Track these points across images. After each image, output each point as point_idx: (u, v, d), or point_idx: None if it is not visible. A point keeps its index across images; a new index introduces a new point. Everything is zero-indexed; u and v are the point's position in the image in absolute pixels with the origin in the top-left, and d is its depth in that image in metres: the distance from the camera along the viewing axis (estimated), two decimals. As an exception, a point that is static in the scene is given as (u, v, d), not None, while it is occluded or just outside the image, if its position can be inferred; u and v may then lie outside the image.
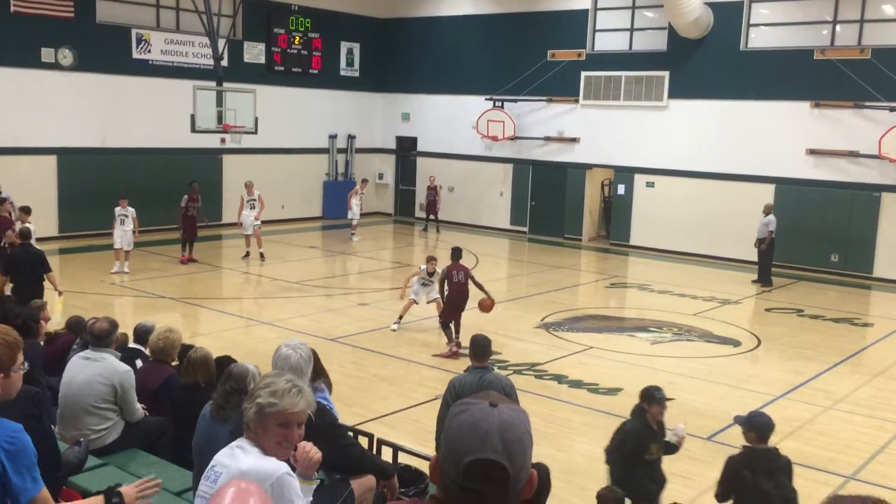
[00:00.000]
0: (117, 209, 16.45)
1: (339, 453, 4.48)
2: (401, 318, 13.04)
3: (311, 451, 3.58)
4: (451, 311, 11.94)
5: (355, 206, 21.81)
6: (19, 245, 11.79)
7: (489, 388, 6.15)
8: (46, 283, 11.57)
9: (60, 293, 11.96)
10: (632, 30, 22.27)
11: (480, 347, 6.62)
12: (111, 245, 16.57)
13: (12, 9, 18.53)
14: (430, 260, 13.07)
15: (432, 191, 23.81)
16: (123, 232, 16.32)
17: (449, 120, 25.35)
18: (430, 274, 12.81)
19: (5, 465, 2.90)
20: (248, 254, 18.43)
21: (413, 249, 22.29)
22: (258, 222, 18.45)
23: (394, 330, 12.88)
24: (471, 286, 12.02)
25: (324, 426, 4.37)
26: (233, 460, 3.15)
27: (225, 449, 3.23)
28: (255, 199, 18.50)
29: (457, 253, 12.44)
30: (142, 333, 7.42)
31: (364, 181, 23.21)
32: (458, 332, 11.89)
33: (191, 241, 17.77)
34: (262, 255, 18.22)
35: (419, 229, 23.69)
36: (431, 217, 23.87)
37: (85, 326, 8.09)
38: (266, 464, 3.11)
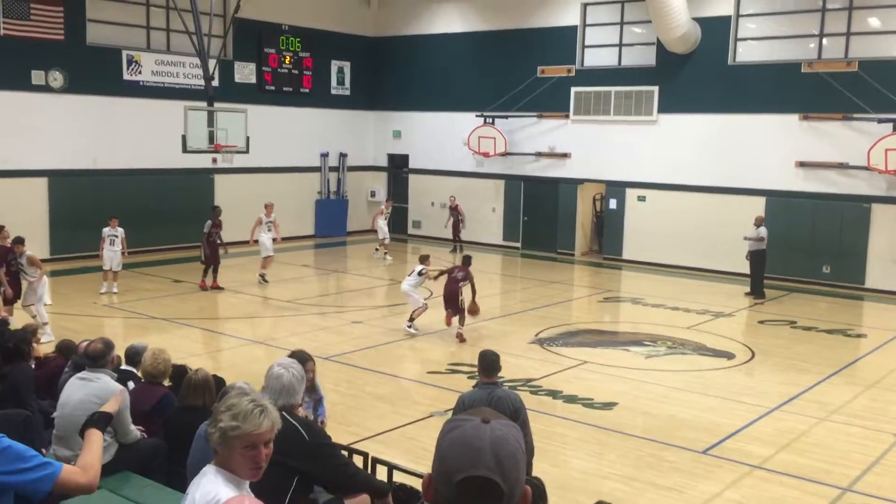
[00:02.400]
0: (106, 229, 16.37)
1: (332, 472, 4.45)
2: (412, 319, 13.93)
3: None
4: (445, 302, 13.56)
5: (383, 226, 21.81)
6: None
7: (499, 403, 6.14)
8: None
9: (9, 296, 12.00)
10: (620, 45, 22.42)
11: (489, 363, 6.56)
12: (101, 266, 16.48)
13: (2, 32, 18.56)
14: (425, 259, 14.29)
15: (454, 210, 23.33)
16: (113, 253, 16.23)
17: (440, 137, 25.43)
18: (420, 274, 14.03)
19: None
20: (263, 276, 18.10)
21: (405, 266, 22.27)
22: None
23: (412, 331, 13.80)
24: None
25: (315, 444, 4.34)
26: (193, 488, 3.09)
27: (196, 476, 3.18)
28: (272, 222, 18.31)
29: (467, 259, 14.22)
30: (133, 355, 7.39)
31: (388, 201, 23.03)
32: (461, 323, 13.54)
33: (215, 268, 17.27)
34: (263, 277, 18.00)
35: (448, 251, 23.32)
36: (457, 238, 23.31)
37: (75, 350, 8.07)
38: (211, 490, 2.99)
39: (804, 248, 19.32)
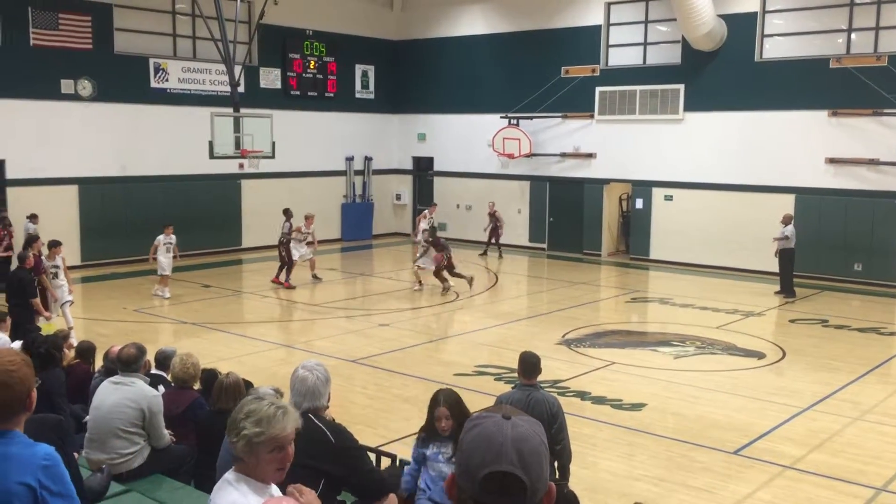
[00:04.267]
0: (161, 237, 16.73)
1: (358, 476, 4.41)
2: (420, 282, 17.61)
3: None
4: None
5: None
6: (16, 268, 12.05)
7: (537, 406, 6.13)
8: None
9: (48, 318, 11.98)
10: (645, 44, 22.28)
11: (529, 365, 6.51)
12: (133, 272, 16.72)
13: (32, 42, 18.85)
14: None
15: (493, 216, 23.11)
16: (168, 259, 16.67)
17: (465, 139, 25.43)
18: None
19: (44, 484, 2.93)
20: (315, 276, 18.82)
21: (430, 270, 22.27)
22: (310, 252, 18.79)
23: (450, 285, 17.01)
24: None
25: (342, 447, 4.32)
26: (217, 495, 3.08)
27: (219, 482, 3.17)
28: (311, 233, 18.72)
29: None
30: (163, 359, 7.47)
31: (434, 205, 22.78)
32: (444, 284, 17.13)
33: (289, 268, 17.96)
34: (287, 282, 18.15)
35: (478, 253, 23.15)
36: (493, 241, 23.13)
37: (94, 351, 8.18)
38: (240, 501, 2.99)
39: (835, 246, 19.07)
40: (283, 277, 18.03)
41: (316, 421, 4.25)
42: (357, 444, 4.58)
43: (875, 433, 9.38)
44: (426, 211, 22.29)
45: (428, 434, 5.50)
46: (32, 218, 18.08)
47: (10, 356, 3.04)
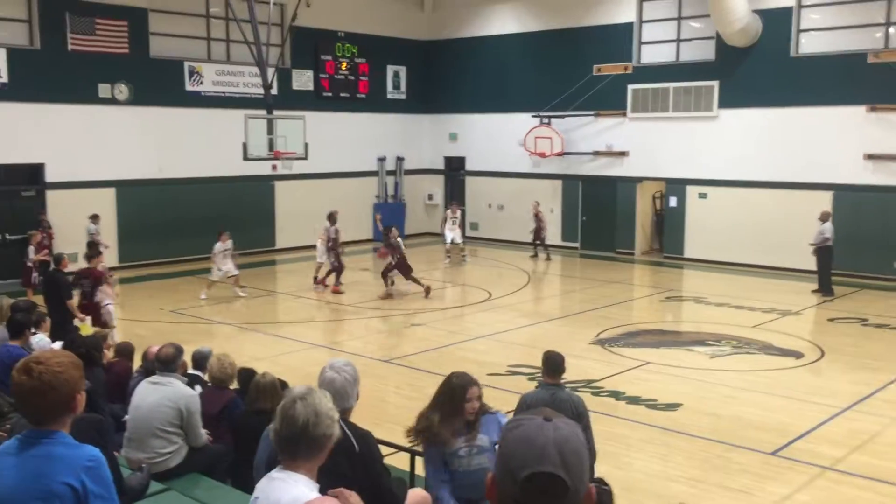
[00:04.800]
0: (218, 245, 16.85)
1: (375, 490, 4.24)
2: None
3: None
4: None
5: (448, 233, 21.97)
6: (52, 270, 12.18)
7: (561, 405, 6.10)
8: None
9: (82, 319, 12.00)
10: (678, 41, 22.08)
11: (554, 364, 6.51)
12: (170, 273, 16.90)
13: (70, 47, 19.17)
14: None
15: (536, 217, 22.78)
16: (230, 264, 16.95)
17: (496, 138, 25.39)
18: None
19: (87, 486, 2.97)
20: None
21: (464, 268, 22.29)
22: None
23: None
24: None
25: (367, 457, 4.20)
26: (269, 490, 3.11)
27: (264, 478, 3.21)
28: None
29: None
30: (199, 359, 7.56)
31: (453, 203, 22.83)
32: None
33: (339, 272, 17.90)
34: (337, 285, 17.99)
35: (528, 255, 22.92)
36: (538, 242, 22.84)
37: (132, 351, 8.30)
38: (295, 492, 3.05)
39: (874, 244, 18.74)
40: (329, 280, 17.89)
41: (343, 426, 4.21)
42: (381, 458, 4.48)
43: (917, 434, 9.21)
44: (447, 212, 22.23)
45: (436, 433, 5.21)
46: (94, 218, 18.54)
47: (58, 358, 3.07)
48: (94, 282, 12.48)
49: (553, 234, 24.40)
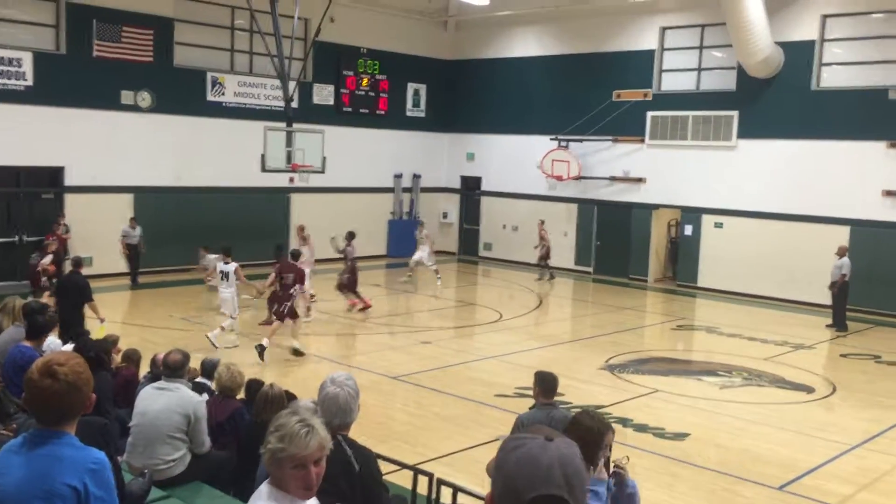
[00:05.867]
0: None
1: None
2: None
3: None
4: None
5: (419, 255, 21.21)
6: (70, 272, 12.28)
7: (557, 425, 6.04)
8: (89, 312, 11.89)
9: (102, 320, 11.98)
10: (699, 69, 22.10)
11: (548, 384, 6.53)
12: (184, 281, 16.87)
13: (95, 53, 19.38)
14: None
15: (542, 238, 22.76)
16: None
17: (513, 160, 25.43)
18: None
19: (89, 488, 2.98)
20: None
21: (476, 288, 22.29)
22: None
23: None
24: None
25: (366, 477, 4.15)
26: None
27: (255, 492, 3.18)
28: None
29: (294, 255, 14.54)
30: (208, 367, 7.57)
31: (420, 224, 22.38)
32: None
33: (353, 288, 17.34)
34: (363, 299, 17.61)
35: (535, 278, 22.71)
36: (544, 264, 22.71)
37: (139, 357, 8.33)
38: None
39: (890, 281, 18.58)
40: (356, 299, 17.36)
41: (344, 444, 4.14)
42: (381, 477, 4.42)
43: (928, 475, 9.08)
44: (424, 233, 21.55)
45: None
46: (132, 222, 18.72)
47: (76, 359, 3.12)
48: (297, 278, 13.48)
49: (567, 258, 24.37)
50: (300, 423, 3.06)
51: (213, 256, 17.13)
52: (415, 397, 11.46)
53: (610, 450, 4.42)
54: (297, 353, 13.28)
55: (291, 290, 13.48)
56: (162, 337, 13.74)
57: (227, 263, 14.10)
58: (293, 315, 13.54)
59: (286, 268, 13.69)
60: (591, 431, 4.29)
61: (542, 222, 23.14)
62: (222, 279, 14.16)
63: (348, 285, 17.13)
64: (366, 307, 17.22)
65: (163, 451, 5.93)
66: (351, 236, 17.79)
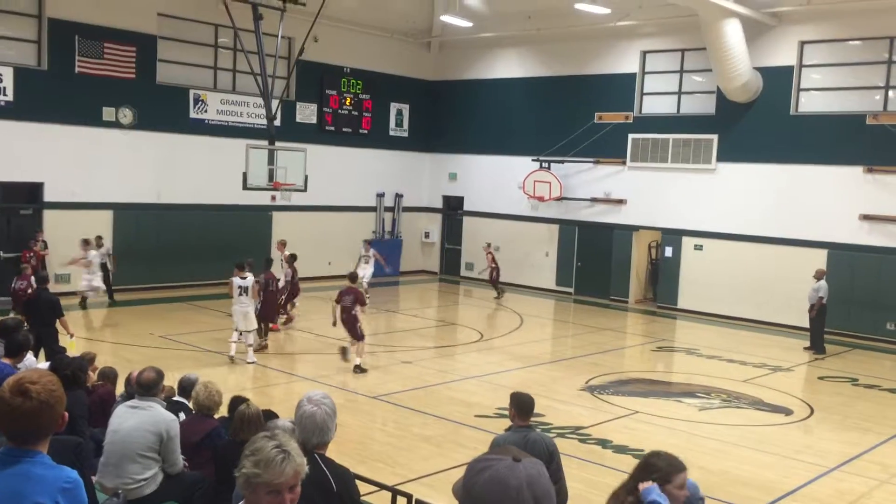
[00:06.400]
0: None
1: None
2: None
3: None
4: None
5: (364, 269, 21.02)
6: (37, 290, 12.25)
7: (533, 447, 6.05)
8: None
9: (72, 336, 12.04)
10: (680, 93, 22.33)
11: (524, 406, 6.50)
12: (163, 299, 16.77)
13: (77, 69, 19.31)
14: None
15: (490, 259, 22.93)
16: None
17: (496, 180, 25.52)
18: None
19: None
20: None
21: (457, 308, 22.26)
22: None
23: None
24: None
25: (344, 497, 4.10)
26: None
27: None
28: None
29: (268, 262, 15.48)
30: (186, 386, 7.50)
31: (365, 241, 22.03)
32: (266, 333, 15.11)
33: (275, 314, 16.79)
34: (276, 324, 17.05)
35: (494, 296, 22.61)
36: (495, 283, 22.80)
37: (115, 376, 8.24)
38: None
39: (867, 304, 18.76)
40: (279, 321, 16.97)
41: (321, 463, 4.08)
42: (358, 499, 4.36)
43: (904, 498, 9.13)
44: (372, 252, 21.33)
45: None
46: (98, 240, 18.44)
47: (49, 377, 3.10)
48: (356, 298, 14.06)
49: (548, 279, 24.45)
50: (276, 448, 2.99)
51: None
52: (394, 417, 11.41)
53: (683, 489, 4.46)
54: (357, 367, 13.80)
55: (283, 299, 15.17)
56: (140, 355, 13.61)
57: (244, 279, 14.20)
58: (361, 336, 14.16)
59: (269, 276, 14.74)
60: (660, 472, 4.46)
61: (489, 245, 23.56)
62: (240, 294, 14.14)
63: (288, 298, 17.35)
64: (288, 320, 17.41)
65: (133, 470, 5.85)
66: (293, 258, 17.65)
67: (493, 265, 22.89)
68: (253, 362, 14.01)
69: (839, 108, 19.59)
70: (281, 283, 16.58)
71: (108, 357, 12.78)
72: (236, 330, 14.14)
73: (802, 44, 20.10)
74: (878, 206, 18.73)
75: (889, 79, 19.05)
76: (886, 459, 10.44)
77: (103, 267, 18.74)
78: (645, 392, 13.43)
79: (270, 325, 15.93)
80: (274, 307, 15.69)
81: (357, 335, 14.01)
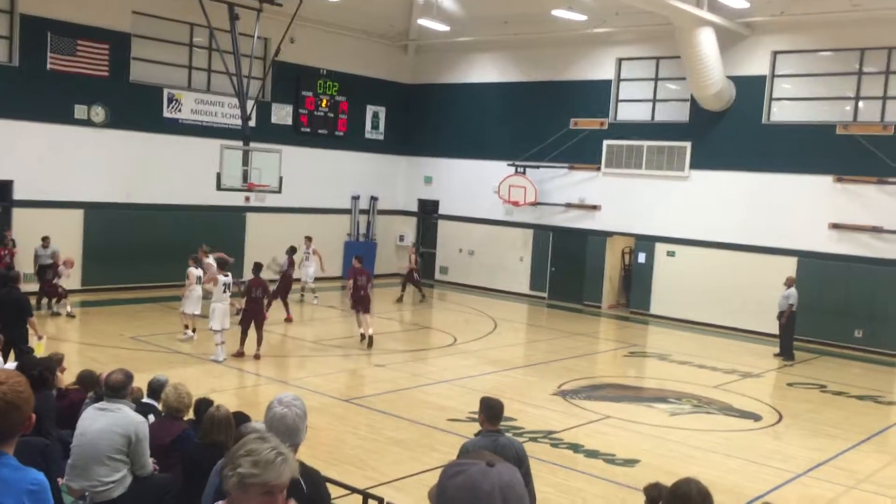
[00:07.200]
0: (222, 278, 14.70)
1: None
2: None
3: None
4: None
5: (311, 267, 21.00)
6: (7, 288, 11.90)
7: (503, 452, 6.05)
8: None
9: (41, 337, 11.78)
10: (654, 101, 22.51)
11: (494, 410, 6.50)
12: (134, 299, 16.63)
13: (49, 66, 19.08)
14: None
15: (410, 260, 22.80)
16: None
17: (471, 184, 25.56)
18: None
19: None
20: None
21: (431, 312, 22.24)
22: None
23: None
24: None
25: (315, 499, 4.04)
26: None
27: None
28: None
29: (257, 268, 14.82)
30: (156, 388, 7.43)
31: (307, 238, 21.52)
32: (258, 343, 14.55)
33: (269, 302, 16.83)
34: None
35: (419, 300, 22.71)
36: (415, 283, 22.57)
37: (96, 381, 8.12)
38: None
39: (836, 311, 19.01)
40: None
41: None
42: (329, 498, 4.33)
43: (869, 503, 9.26)
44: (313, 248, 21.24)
45: None
46: (45, 241, 17.92)
47: (16, 378, 3.04)
48: (265, 291, 14.49)
49: (521, 283, 24.52)
50: (273, 450, 2.99)
51: (209, 261, 16.75)
52: (366, 420, 11.37)
53: None
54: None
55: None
56: (109, 356, 13.46)
57: (226, 276, 14.46)
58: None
59: (255, 282, 14.57)
60: (689, 500, 4.52)
61: (413, 244, 24.09)
62: (224, 290, 14.23)
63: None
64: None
65: (101, 473, 5.78)
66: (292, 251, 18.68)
67: (413, 266, 22.62)
68: (222, 360, 13.90)
69: (810, 118, 19.86)
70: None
71: (75, 358, 12.64)
72: (213, 329, 13.99)
73: (775, 54, 20.36)
74: (847, 216, 19.00)
75: (859, 90, 19.35)
76: (853, 466, 10.58)
77: (43, 270, 17.57)
78: (617, 397, 13.50)
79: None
80: (258, 316, 14.45)
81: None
